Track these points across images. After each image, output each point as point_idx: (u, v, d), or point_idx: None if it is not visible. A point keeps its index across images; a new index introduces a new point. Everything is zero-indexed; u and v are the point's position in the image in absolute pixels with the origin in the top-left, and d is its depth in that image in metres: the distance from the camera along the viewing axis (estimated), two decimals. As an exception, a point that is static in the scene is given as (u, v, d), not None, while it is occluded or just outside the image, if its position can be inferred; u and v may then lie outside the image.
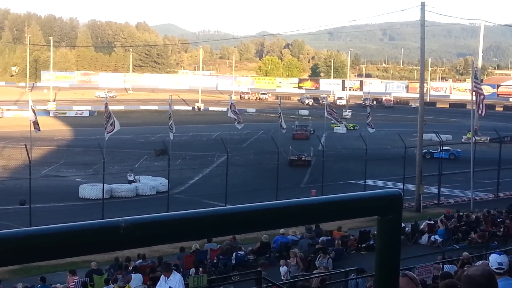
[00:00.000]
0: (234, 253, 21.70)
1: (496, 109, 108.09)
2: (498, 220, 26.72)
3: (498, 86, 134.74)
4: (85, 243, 1.67)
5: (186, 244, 21.56)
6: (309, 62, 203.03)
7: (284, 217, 2.02)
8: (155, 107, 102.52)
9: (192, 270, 19.38)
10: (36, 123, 36.56)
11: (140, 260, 20.49)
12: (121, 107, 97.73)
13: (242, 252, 21.92)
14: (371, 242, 23.74)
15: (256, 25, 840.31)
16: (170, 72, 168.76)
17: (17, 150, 44.44)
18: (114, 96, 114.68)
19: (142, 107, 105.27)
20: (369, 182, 39.47)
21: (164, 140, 46.08)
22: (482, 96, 35.47)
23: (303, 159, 49.41)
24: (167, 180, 36.58)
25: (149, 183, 39.66)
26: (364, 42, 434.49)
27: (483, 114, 36.79)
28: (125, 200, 36.96)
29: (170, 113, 39.40)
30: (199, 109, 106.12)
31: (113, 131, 36.27)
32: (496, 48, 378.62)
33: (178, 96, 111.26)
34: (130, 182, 39.59)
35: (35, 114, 37.37)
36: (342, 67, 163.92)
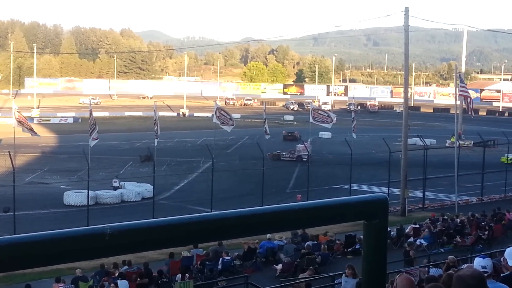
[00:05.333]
0: (220, 259, 21.66)
1: (480, 113, 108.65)
2: (483, 223, 26.86)
3: (482, 90, 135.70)
4: (70, 250, 1.66)
5: (175, 250, 21.47)
6: (293, 67, 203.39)
7: (272, 223, 2.02)
8: (140, 113, 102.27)
9: (179, 276, 19.32)
10: (32, 130, 36.26)
11: (126, 267, 20.39)
12: (105, 114, 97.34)
13: (228, 258, 21.87)
14: (357, 247, 23.80)
15: (240, 31, 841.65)
16: (155, 78, 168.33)
17: (0, 157, 44.13)
18: (99, 103, 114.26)
19: (127, 113, 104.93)
20: (355, 186, 39.53)
21: (149, 146, 45.94)
22: (469, 99, 35.87)
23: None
24: (152, 186, 36.46)
25: (134, 189, 39.51)
26: (348, 47, 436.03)
27: (472, 115, 37.52)
28: (110, 206, 36.79)
29: (155, 119, 39.29)
30: (184, 115, 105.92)
31: (97, 139, 36.28)
32: (479, 53, 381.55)
33: (163, 102, 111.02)
34: (115, 188, 39.41)
35: (27, 121, 37.00)
36: (326, 72, 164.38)
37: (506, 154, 48.51)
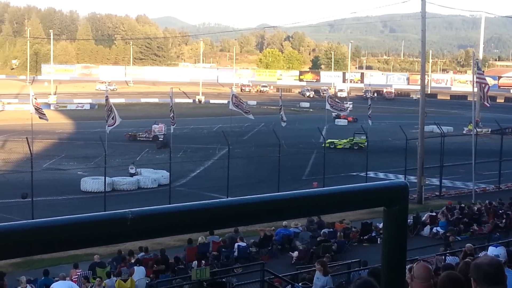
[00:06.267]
0: (236, 245, 21.73)
1: (498, 100, 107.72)
2: (500, 211, 26.71)
3: (499, 77, 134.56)
4: (92, 235, 1.67)
5: (191, 236, 21.55)
6: (309, 54, 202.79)
7: (291, 208, 2.02)
8: (156, 100, 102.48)
9: (195, 262, 19.41)
10: (43, 113, 36.40)
11: (143, 253, 20.52)
12: (122, 100, 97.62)
13: (244, 244, 21.94)
14: (373, 234, 23.79)
15: (256, 17, 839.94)
16: (170, 65, 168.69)
17: (18, 143, 44.44)
18: (115, 89, 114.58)
19: (143, 100, 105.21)
20: (371, 174, 39.41)
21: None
22: (486, 87, 35.27)
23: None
24: (168, 173, 36.55)
25: (151, 176, 39.63)
26: (364, 34, 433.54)
27: (488, 105, 36.90)
28: (127, 193, 36.92)
29: (171, 106, 39.30)
30: (200, 101, 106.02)
31: (114, 125, 36.25)
32: (497, 39, 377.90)
33: (179, 89, 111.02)
34: (131, 175, 39.55)
35: (39, 105, 37.13)
36: (342, 59, 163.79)
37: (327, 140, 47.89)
